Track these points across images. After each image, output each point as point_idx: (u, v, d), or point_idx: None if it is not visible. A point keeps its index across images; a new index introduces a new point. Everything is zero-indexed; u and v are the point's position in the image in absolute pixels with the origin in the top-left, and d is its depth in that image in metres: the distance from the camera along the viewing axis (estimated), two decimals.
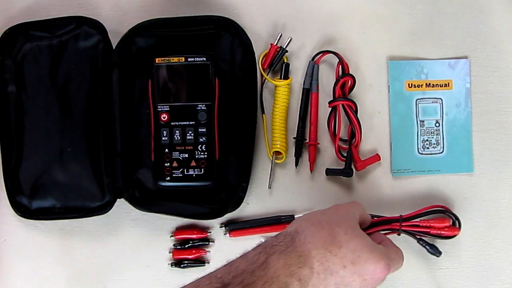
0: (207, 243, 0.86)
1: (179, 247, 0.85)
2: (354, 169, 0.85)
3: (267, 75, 0.86)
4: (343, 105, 0.85)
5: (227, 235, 0.85)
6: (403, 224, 0.83)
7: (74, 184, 0.83)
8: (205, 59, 0.83)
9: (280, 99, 0.86)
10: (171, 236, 0.86)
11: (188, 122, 0.83)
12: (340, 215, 0.72)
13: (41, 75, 0.83)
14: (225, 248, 0.86)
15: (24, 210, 0.83)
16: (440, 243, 0.85)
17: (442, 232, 0.83)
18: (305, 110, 0.87)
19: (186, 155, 0.83)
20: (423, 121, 0.87)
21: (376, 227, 0.83)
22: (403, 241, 0.86)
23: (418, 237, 0.83)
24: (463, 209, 0.87)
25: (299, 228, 0.69)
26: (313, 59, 0.87)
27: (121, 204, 0.83)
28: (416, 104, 0.87)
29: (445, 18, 0.89)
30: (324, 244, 0.67)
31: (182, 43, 0.84)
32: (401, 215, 0.84)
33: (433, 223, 0.83)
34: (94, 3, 0.87)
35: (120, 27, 0.85)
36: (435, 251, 0.84)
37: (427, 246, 0.84)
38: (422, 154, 0.87)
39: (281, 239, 0.68)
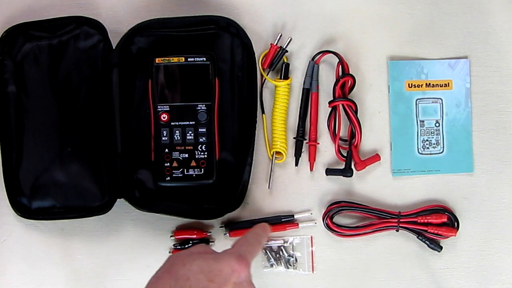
0: (207, 243, 0.86)
1: (179, 247, 0.85)
2: (354, 169, 0.85)
3: (267, 75, 0.86)
4: (343, 105, 0.85)
5: (227, 235, 0.85)
6: (401, 220, 0.84)
7: (74, 184, 0.83)
8: (205, 59, 0.83)
9: (280, 99, 0.86)
10: (171, 236, 0.86)
11: (188, 122, 0.83)
12: (172, 257, 0.68)
13: (41, 75, 0.83)
14: (225, 248, 0.86)
15: (24, 210, 0.83)
16: (440, 243, 0.85)
17: (439, 231, 0.84)
18: (305, 110, 0.87)
19: (186, 155, 0.83)
20: (423, 121, 0.87)
21: (374, 224, 0.84)
22: (403, 241, 0.86)
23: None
24: (463, 209, 0.87)
25: None
26: (313, 59, 0.87)
27: (121, 204, 0.83)
28: (416, 104, 0.87)
29: (445, 18, 0.89)
30: (171, 287, 0.63)
31: (182, 43, 0.84)
32: (399, 212, 0.84)
33: (431, 219, 0.84)
34: (94, 3, 0.87)
35: (120, 27, 0.85)
36: (436, 246, 0.85)
37: (427, 242, 0.85)
38: (422, 154, 0.87)
39: None
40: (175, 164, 0.83)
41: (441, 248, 0.85)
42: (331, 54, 0.86)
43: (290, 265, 0.86)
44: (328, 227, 0.85)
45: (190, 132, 0.83)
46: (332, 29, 0.88)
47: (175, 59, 0.83)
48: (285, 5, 0.88)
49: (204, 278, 0.64)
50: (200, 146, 0.83)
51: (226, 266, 0.65)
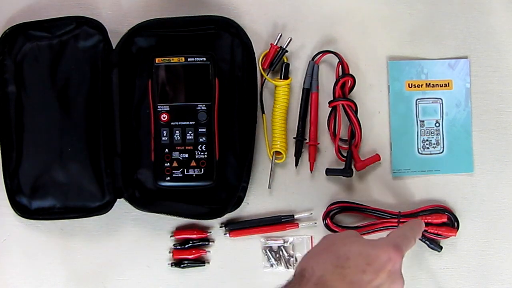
0: (207, 243, 0.86)
1: (179, 247, 0.85)
2: (354, 169, 0.85)
3: (267, 75, 0.86)
4: (343, 105, 0.85)
5: (227, 235, 0.85)
6: (401, 220, 0.84)
7: (74, 184, 0.83)
8: (205, 59, 0.83)
9: (280, 99, 0.86)
10: (171, 236, 0.86)
11: (188, 122, 0.83)
12: (330, 236, 0.72)
13: (41, 75, 0.83)
14: (225, 248, 0.86)
15: (24, 210, 0.83)
16: (440, 243, 0.85)
17: (439, 231, 0.84)
18: (305, 110, 0.87)
19: (186, 155, 0.83)
20: (423, 121, 0.87)
21: (374, 224, 0.84)
22: None
23: None
24: (463, 209, 0.87)
25: (303, 265, 0.68)
26: (313, 59, 0.87)
27: (121, 204, 0.83)
28: (416, 104, 0.87)
29: (445, 18, 0.89)
30: (332, 264, 0.66)
31: (182, 43, 0.84)
32: (399, 212, 0.84)
33: (431, 219, 0.84)
34: (94, 3, 0.87)
35: (120, 27, 0.85)
36: (436, 246, 0.85)
37: (427, 241, 0.85)
38: (422, 154, 0.87)
39: (291, 280, 0.67)
40: (175, 164, 0.83)
41: (441, 248, 0.85)
42: (331, 54, 0.86)
43: (290, 265, 0.86)
44: (328, 227, 0.85)
45: (190, 132, 0.83)
46: (332, 29, 0.88)
47: (175, 59, 0.83)
48: (285, 5, 0.88)
49: (363, 261, 0.66)
50: (200, 146, 0.83)
51: (383, 253, 0.67)
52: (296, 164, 0.87)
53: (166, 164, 0.83)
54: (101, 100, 0.83)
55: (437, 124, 0.88)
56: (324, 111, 0.87)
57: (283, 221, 0.86)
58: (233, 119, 0.85)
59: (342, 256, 0.67)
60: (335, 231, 0.84)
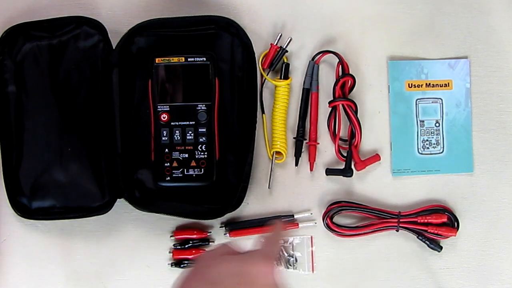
0: (207, 243, 0.86)
1: (179, 247, 0.85)
2: (354, 169, 0.85)
3: (267, 75, 0.86)
4: (343, 105, 0.85)
5: (227, 235, 0.85)
6: (401, 220, 0.84)
7: (74, 184, 0.83)
8: (205, 59, 0.83)
9: (280, 99, 0.86)
10: (171, 236, 0.86)
11: (188, 122, 0.83)
12: (203, 258, 0.67)
13: (41, 75, 0.83)
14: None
15: (24, 210, 0.83)
16: (440, 243, 0.85)
17: (439, 231, 0.84)
18: (305, 110, 0.87)
19: (186, 155, 0.83)
20: (423, 121, 0.87)
21: (374, 224, 0.84)
22: (403, 241, 0.86)
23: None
24: (463, 209, 0.87)
25: None
26: (313, 59, 0.87)
27: (121, 204, 0.83)
28: (416, 104, 0.87)
29: (445, 18, 0.89)
30: None
31: (182, 43, 0.84)
32: (399, 212, 0.84)
33: (431, 219, 0.84)
34: (94, 3, 0.87)
35: (120, 27, 0.85)
36: (436, 246, 0.85)
37: (427, 242, 0.85)
38: (422, 154, 0.87)
39: None
40: (175, 164, 0.83)
41: (441, 248, 0.85)
42: (331, 54, 0.86)
43: (290, 265, 0.86)
44: (328, 227, 0.85)
45: (190, 132, 0.83)
46: (332, 29, 0.88)
47: (175, 59, 0.83)
48: (285, 5, 0.88)
49: (234, 281, 0.62)
50: (200, 146, 0.83)
51: (254, 267, 0.63)
52: (296, 164, 0.87)
53: (166, 164, 0.83)
54: (101, 100, 0.83)
55: (437, 124, 0.88)
56: (324, 111, 0.87)
57: (283, 221, 0.86)
58: (233, 119, 0.85)
59: (212, 280, 0.62)
60: (335, 231, 0.84)
